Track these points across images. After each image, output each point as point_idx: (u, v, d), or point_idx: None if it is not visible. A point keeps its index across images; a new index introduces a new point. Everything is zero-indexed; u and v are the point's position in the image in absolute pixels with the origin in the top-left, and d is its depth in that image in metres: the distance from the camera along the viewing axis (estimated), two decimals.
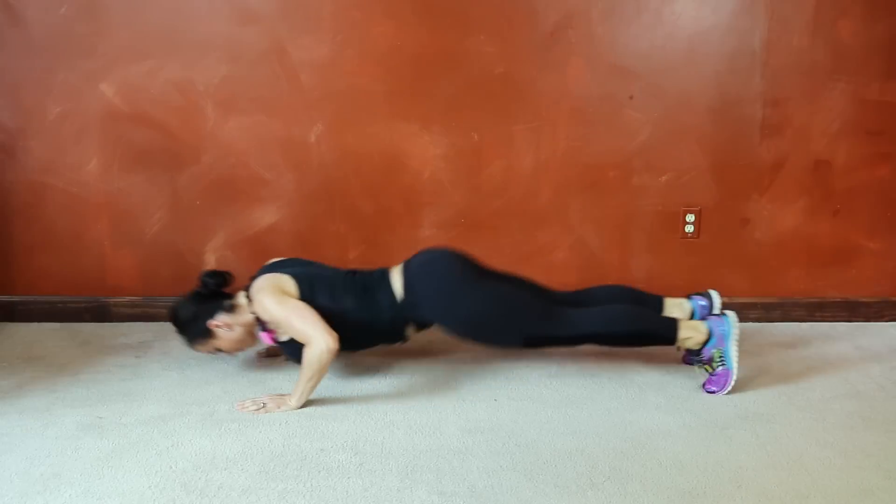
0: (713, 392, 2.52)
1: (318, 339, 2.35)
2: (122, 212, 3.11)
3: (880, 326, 3.19)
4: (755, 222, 3.16)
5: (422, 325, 2.60)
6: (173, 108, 3.02)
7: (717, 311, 2.69)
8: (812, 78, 3.04)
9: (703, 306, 2.71)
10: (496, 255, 3.12)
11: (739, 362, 2.58)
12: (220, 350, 2.59)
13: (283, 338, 2.49)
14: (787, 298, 3.22)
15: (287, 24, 2.97)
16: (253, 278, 2.58)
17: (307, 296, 2.47)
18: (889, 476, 2.05)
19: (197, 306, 2.54)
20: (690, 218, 3.15)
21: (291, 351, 2.49)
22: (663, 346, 2.88)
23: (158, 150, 3.06)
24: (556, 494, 1.95)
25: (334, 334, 2.36)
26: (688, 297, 2.76)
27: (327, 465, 2.08)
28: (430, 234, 3.13)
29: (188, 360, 2.78)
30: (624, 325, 2.53)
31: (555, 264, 3.18)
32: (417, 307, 2.51)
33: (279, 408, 2.39)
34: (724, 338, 2.52)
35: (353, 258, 3.14)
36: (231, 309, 2.54)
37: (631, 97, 3.05)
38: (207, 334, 2.53)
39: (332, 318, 2.41)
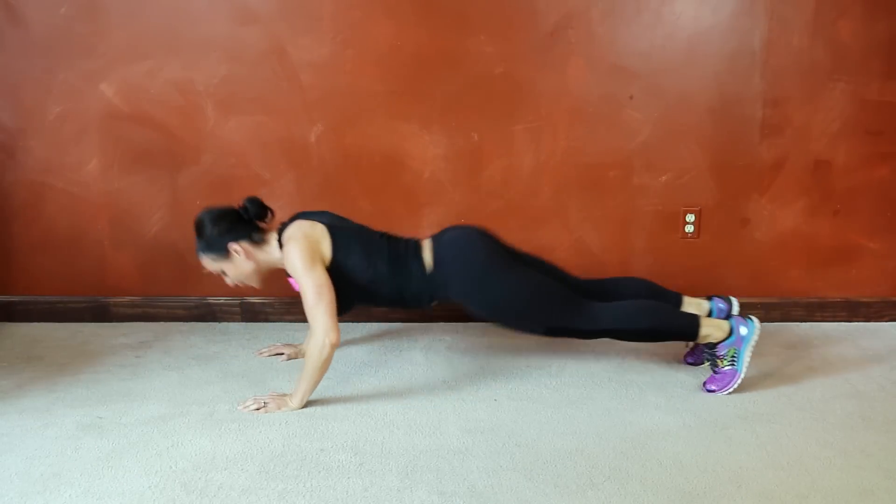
0: (713, 391, 2.52)
1: (321, 330, 2.34)
2: (122, 212, 3.11)
3: (880, 326, 3.19)
4: (755, 222, 3.16)
5: (446, 300, 2.58)
6: (173, 108, 3.02)
7: (734, 313, 2.70)
8: (812, 78, 3.04)
9: (721, 308, 2.71)
10: None
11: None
12: (223, 273, 2.55)
13: None
14: (787, 298, 3.22)
15: (287, 24, 2.97)
16: (284, 224, 2.54)
17: (341, 254, 2.45)
18: (889, 476, 2.05)
19: (228, 223, 2.48)
20: (690, 218, 3.15)
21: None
22: (665, 346, 2.89)
23: (158, 150, 3.06)
24: (556, 494, 1.95)
25: (337, 330, 2.35)
26: (708, 297, 2.76)
27: (327, 465, 2.09)
28: (430, 234, 3.13)
29: (188, 360, 2.78)
30: (647, 321, 2.51)
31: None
32: (445, 284, 2.50)
33: (280, 408, 2.39)
34: (743, 340, 2.52)
35: None
36: (258, 242, 2.51)
37: (631, 97, 3.05)
38: (223, 252, 2.49)
39: (363, 279, 2.43)
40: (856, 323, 3.22)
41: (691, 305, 2.71)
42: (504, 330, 2.62)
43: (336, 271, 2.44)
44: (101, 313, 3.17)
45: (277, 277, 3.17)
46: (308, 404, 2.42)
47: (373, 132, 3.05)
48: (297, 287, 2.47)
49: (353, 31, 2.97)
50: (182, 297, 3.17)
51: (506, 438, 2.23)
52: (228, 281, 2.59)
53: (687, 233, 3.16)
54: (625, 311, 2.52)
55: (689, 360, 2.77)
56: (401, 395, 2.52)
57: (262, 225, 2.55)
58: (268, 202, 3.09)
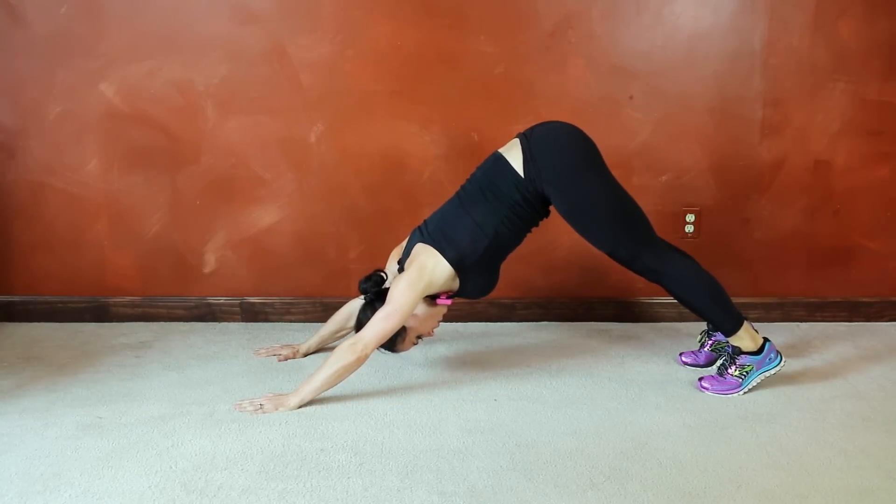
0: (706, 389, 2.52)
1: (365, 342, 2.38)
2: (122, 212, 3.10)
3: (880, 326, 3.19)
4: (755, 222, 3.16)
5: (540, 193, 2.50)
6: (173, 108, 3.02)
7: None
8: (812, 78, 3.04)
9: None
10: None
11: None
12: (420, 336, 2.58)
13: (455, 287, 2.52)
14: (787, 298, 3.22)
15: (287, 24, 2.97)
16: (406, 253, 2.55)
17: (466, 263, 2.47)
18: (889, 476, 2.05)
19: (373, 312, 2.47)
20: (690, 218, 3.15)
21: (471, 288, 2.54)
22: (664, 347, 2.89)
23: (158, 150, 3.06)
24: (556, 494, 1.95)
25: (369, 353, 2.39)
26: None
27: (327, 465, 2.08)
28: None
29: (188, 360, 2.78)
30: (706, 286, 2.51)
31: (555, 264, 3.18)
32: (538, 180, 2.45)
33: (277, 408, 2.39)
34: (764, 365, 2.54)
35: (354, 258, 3.14)
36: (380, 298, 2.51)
37: (631, 97, 3.05)
38: (401, 332, 2.50)
39: (493, 249, 2.47)
40: (856, 323, 3.22)
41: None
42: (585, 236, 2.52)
43: (474, 266, 2.49)
44: (101, 313, 3.17)
45: (278, 277, 3.17)
46: (308, 404, 2.42)
47: (373, 132, 3.05)
48: (446, 300, 2.53)
49: (353, 31, 2.97)
50: (182, 297, 3.17)
51: (506, 438, 2.23)
52: (431, 336, 2.65)
53: (687, 233, 3.16)
54: (691, 267, 2.52)
55: (685, 361, 2.76)
56: (401, 395, 2.52)
57: (387, 287, 2.54)
58: (268, 202, 3.11)
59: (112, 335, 3.03)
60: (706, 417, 2.36)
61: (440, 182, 3.10)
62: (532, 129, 2.53)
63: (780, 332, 3.08)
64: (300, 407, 2.40)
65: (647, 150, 3.09)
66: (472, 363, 2.78)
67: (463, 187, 2.57)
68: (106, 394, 2.51)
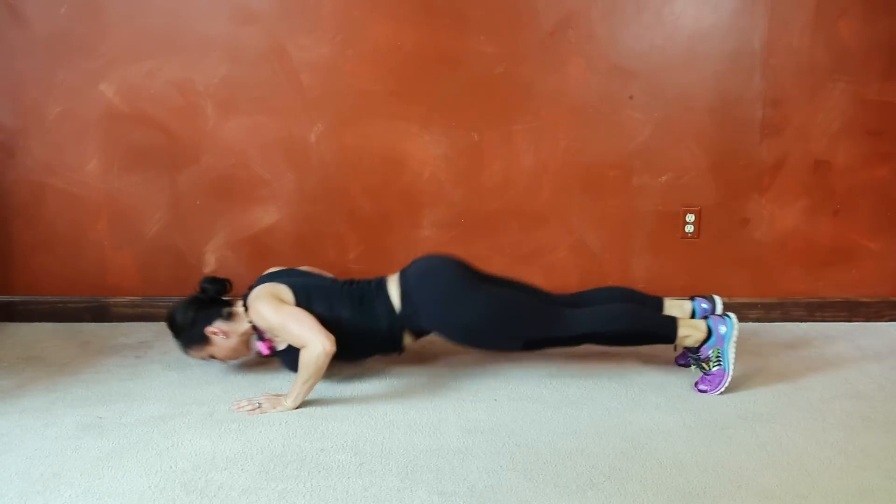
0: (704, 391, 2.52)
1: (315, 341, 2.35)
2: (122, 212, 3.11)
3: (880, 326, 3.19)
4: (755, 222, 3.16)
5: (419, 334, 2.59)
6: (173, 108, 3.02)
7: (718, 311, 2.69)
8: (812, 78, 3.04)
9: (704, 308, 2.71)
10: (496, 255, 3.13)
11: (738, 362, 2.58)
12: (213, 357, 2.58)
13: (281, 346, 2.49)
14: (787, 298, 3.22)
15: (287, 24, 2.97)
16: (250, 288, 2.58)
17: (304, 305, 2.46)
18: (889, 476, 2.05)
19: (195, 312, 2.53)
20: (690, 218, 3.15)
21: (288, 360, 2.49)
22: (664, 347, 2.89)
23: (158, 150, 3.06)
24: (556, 494, 1.95)
25: (331, 337, 2.36)
26: (691, 298, 2.76)
27: (327, 465, 2.09)
28: (430, 234, 3.13)
29: (188, 360, 2.78)
30: (622, 323, 2.53)
31: (555, 264, 3.18)
32: (416, 316, 2.50)
33: (275, 408, 2.39)
34: (724, 338, 2.52)
35: (353, 258, 3.14)
36: (229, 316, 2.54)
37: (631, 97, 3.05)
38: (203, 340, 2.53)
39: (328, 326, 2.41)
40: (856, 323, 3.22)
41: (673, 308, 2.71)
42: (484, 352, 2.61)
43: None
44: (101, 313, 3.17)
45: None
46: (308, 404, 2.42)
47: (373, 132, 3.05)
48: (266, 349, 2.51)
49: (353, 31, 2.97)
50: (182, 298, 3.16)
51: (506, 438, 2.23)
52: (221, 363, 2.65)
53: (687, 233, 3.16)
54: (601, 314, 2.54)
55: (681, 362, 2.76)
56: (401, 395, 2.52)
57: (226, 298, 2.60)
58: (268, 202, 3.11)
59: (112, 335, 3.03)
60: (706, 417, 2.36)
61: (440, 182, 3.10)
62: (406, 268, 2.58)
63: (780, 332, 3.08)
64: (297, 407, 2.40)
65: (646, 150, 3.09)
66: (472, 363, 2.78)
67: (350, 282, 2.61)
68: (106, 394, 2.51)
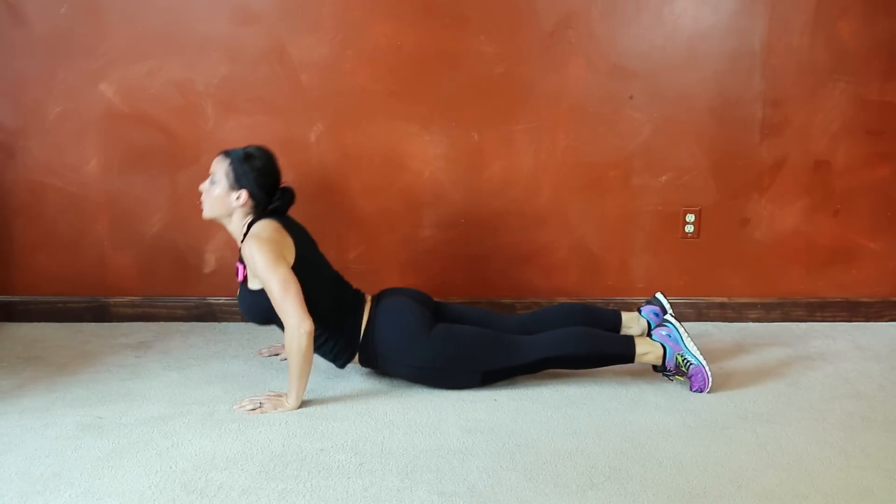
0: (700, 391, 2.52)
1: (293, 321, 2.33)
2: (122, 212, 3.10)
3: (880, 326, 3.19)
4: (755, 222, 3.16)
5: (367, 365, 2.57)
6: (173, 108, 3.02)
7: (668, 310, 2.69)
8: (812, 78, 3.04)
9: (655, 314, 2.71)
10: (496, 255, 3.13)
11: (738, 362, 2.57)
12: (211, 184, 2.48)
13: (253, 286, 2.45)
14: (787, 298, 3.22)
15: (287, 24, 2.97)
16: (259, 215, 2.48)
17: (300, 275, 2.40)
18: (889, 476, 2.05)
19: (264, 180, 2.45)
20: (690, 218, 3.15)
21: (245, 305, 2.49)
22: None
23: (158, 150, 3.06)
24: (556, 494, 1.95)
25: (309, 318, 2.35)
26: (638, 310, 2.76)
27: (327, 465, 2.09)
28: (430, 234, 3.13)
29: (188, 360, 2.78)
30: (578, 347, 2.52)
31: (555, 264, 3.18)
32: (371, 352, 2.51)
33: (276, 408, 2.39)
34: (678, 341, 2.52)
35: (353, 258, 3.14)
36: (248, 210, 2.47)
37: (631, 97, 3.05)
38: (236, 184, 2.44)
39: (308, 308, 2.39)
40: (856, 323, 3.22)
41: (631, 321, 2.72)
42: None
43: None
44: (101, 313, 3.17)
45: None
46: (308, 404, 2.42)
47: (373, 132, 3.05)
48: (241, 275, 2.47)
49: (353, 31, 2.97)
50: (182, 297, 3.17)
51: (506, 438, 2.23)
52: (204, 198, 2.51)
53: (687, 233, 3.16)
54: (555, 338, 2.53)
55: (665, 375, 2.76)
56: (401, 395, 2.52)
57: (267, 206, 2.51)
58: None
59: (112, 335, 3.03)
60: (706, 417, 2.36)
61: (440, 182, 3.10)
62: (378, 298, 2.59)
63: (780, 332, 3.08)
64: (299, 406, 2.40)
65: (646, 150, 3.09)
66: None
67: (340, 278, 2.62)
68: (106, 394, 2.51)
